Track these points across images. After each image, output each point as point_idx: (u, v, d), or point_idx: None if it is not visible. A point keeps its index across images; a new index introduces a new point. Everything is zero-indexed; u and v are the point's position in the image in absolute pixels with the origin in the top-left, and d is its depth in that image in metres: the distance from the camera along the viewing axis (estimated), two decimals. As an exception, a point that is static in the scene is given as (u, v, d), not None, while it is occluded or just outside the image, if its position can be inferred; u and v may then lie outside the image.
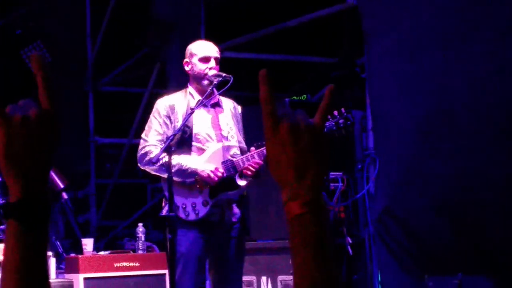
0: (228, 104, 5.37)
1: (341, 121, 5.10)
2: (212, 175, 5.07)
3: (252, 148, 5.11)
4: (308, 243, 1.34)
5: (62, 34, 10.39)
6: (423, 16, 6.41)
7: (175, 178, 5.00)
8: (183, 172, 5.08)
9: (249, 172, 5.08)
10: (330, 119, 5.13)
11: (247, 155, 5.12)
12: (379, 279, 6.85)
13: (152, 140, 5.18)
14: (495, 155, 5.93)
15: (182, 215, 5.09)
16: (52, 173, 8.02)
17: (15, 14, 9.88)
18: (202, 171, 5.08)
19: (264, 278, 6.72)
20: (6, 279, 1.33)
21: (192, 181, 5.11)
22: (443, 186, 6.21)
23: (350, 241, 6.80)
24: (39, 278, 1.35)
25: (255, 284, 6.76)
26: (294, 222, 1.35)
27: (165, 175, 4.99)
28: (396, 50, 6.61)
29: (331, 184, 7.00)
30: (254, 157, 5.07)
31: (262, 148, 5.05)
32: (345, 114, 5.12)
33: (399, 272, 6.56)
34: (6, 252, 1.34)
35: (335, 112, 5.15)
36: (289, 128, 1.37)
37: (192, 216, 5.09)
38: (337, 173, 7.05)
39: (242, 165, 5.10)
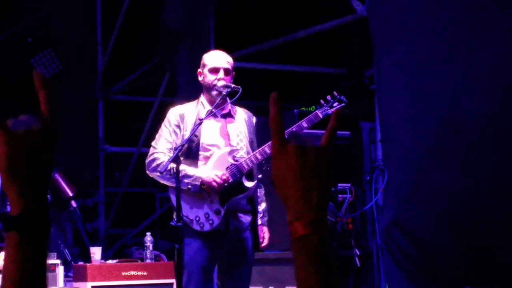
0: (242, 115, 5.38)
1: (335, 104, 5.17)
2: (217, 179, 5.08)
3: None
4: (311, 262, 1.37)
5: (73, 42, 10.43)
6: (432, 27, 6.42)
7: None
8: (187, 178, 5.09)
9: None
10: (324, 104, 5.17)
11: (250, 156, 5.15)
12: (387, 290, 6.84)
13: (161, 147, 5.21)
14: (503, 168, 5.93)
15: (197, 227, 5.10)
16: (61, 181, 8.05)
17: (26, 22, 9.92)
18: (207, 177, 5.09)
19: (271, 289, 6.71)
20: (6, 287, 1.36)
21: (196, 189, 5.12)
22: (451, 199, 6.21)
23: (358, 253, 6.80)
24: None
25: (262, 295, 6.75)
26: (298, 242, 1.38)
27: (172, 184, 5.01)
28: (405, 62, 6.62)
29: (339, 195, 7.00)
30: (257, 157, 5.11)
31: (263, 146, 5.09)
32: (338, 96, 5.20)
33: (407, 284, 6.55)
34: (5, 263, 1.37)
35: (328, 97, 5.20)
36: (295, 148, 1.40)
37: (207, 227, 5.10)
38: (346, 185, 7.06)
39: (246, 167, 5.14)
